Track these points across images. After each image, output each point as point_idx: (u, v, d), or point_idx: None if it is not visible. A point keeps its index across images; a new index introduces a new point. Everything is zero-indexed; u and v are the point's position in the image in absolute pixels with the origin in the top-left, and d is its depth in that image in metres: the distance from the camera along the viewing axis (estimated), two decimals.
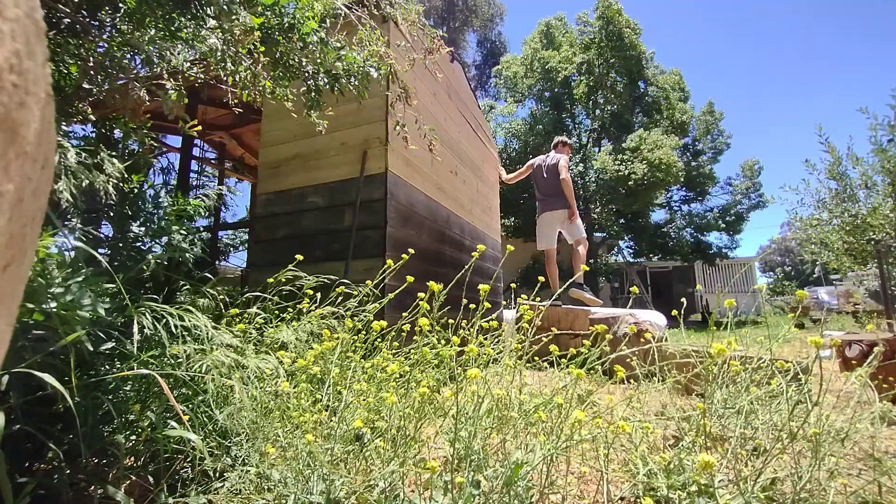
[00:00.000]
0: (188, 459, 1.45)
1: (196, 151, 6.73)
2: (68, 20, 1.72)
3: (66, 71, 1.84)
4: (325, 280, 2.39)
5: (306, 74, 2.22)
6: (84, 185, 1.75)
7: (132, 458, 1.47)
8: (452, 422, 1.08)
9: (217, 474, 1.41)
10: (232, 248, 6.84)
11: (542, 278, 2.05)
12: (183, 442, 1.40)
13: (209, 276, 2.14)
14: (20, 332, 1.16)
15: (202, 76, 2.10)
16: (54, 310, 1.19)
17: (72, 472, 1.28)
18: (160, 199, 2.15)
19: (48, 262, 1.33)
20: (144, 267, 1.92)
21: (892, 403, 2.22)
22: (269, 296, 2.22)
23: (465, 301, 1.64)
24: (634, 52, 15.24)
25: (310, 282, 2.30)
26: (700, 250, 16.76)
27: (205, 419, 1.54)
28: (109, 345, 1.50)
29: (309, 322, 2.04)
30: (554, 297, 1.68)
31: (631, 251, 18.02)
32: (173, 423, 1.38)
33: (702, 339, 5.47)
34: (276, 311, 2.23)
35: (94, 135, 2.41)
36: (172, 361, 1.54)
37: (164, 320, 1.60)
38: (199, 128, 2.11)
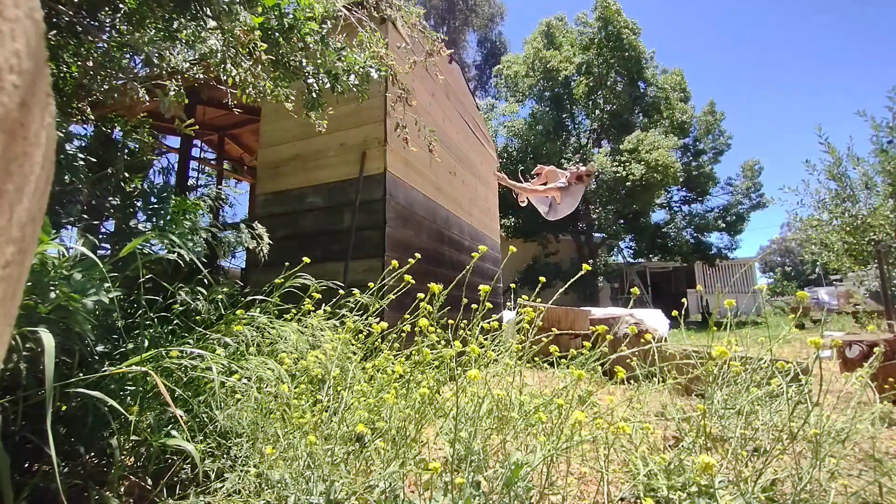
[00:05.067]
0: (187, 460, 1.45)
1: (195, 152, 6.73)
2: (68, 20, 1.72)
3: (66, 71, 1.84)
4: (327, 283, 2.39)
5: (306, 74, 2.22)
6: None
7: (132, 459, 1.47)
8: (453, 423, 1.08)
9: (217, 475, 1.41)
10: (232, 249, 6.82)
11: (542, 279, 2.05)
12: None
13: (212, 277, 2.14)
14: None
15: (202, 76, 2.10)
16: (58, 298, 1.19)
17: (71, 472, 1.28)
18: (163, 197, 2.15)
19: (48, 259, 1.33)
20: (144, 269, 1.91)
21: (892, 404, 2.22)
22: (269, 298, 2.21)
23: (465, 301, 1.64)
24: (634, 53, 15.26)
25: (311, 284, 2.30)
26: (700, 251, 16.77)
27: (205, 419, 1.53)
28: (111, 343, 1.50)
29: (309, 325, 2.04)
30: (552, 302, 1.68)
31: (631, 251, 18.03)
32: (173, 432, 1.38)
33: (702, 339, 5.47)
34: (277, 312, 2.23)
35: (94, 134, 2.41)
36: (171, 364, 1.54)
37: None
38: (196, 127, 2.11)
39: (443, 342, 1.84)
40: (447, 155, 4.88)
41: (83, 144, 2.09)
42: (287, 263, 2.34)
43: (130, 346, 1.57)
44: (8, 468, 0.95)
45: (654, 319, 5.43)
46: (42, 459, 1.28)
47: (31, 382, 1.13)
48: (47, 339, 1.01)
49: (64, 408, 1.30)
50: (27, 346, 1.13)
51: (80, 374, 1.29)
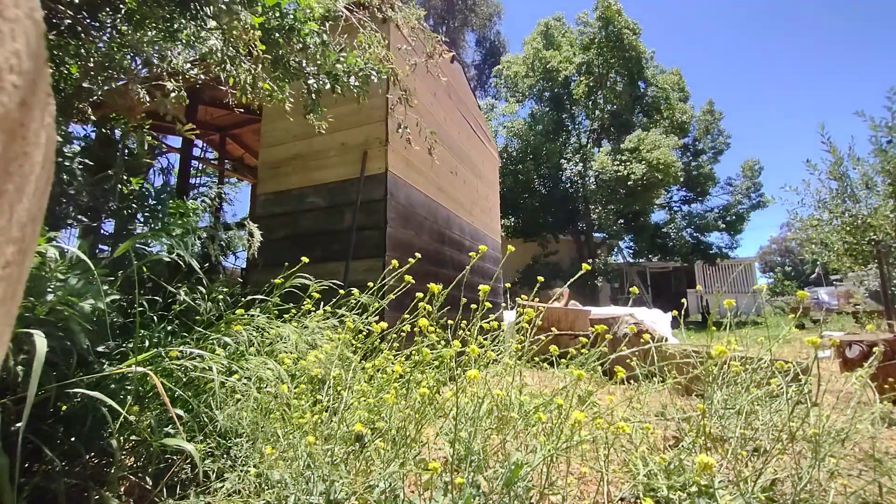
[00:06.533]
0: (188, 460, 1.45)
1: (196, 152, 6.73)
2: (69, 21, 1.72)
3: (66, 71, 1.84)
4: (327, 283, 2.39)
5: (307, 75, 2.22)
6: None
7: (132, 459, 1.47)
8: (452, 423, 1.08)
9: (217, 475, 1.41)
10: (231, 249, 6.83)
11: (541, 278, 2.05)
12: None
13: (211, 277, 2.14)
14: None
15: (202, 77, 2.11)
16: (55, 301, 1.19)
17: (71, 472, 1.28)
18: (162, 198, 2.15)
19: (47, 260, 1.33)
20: (144, 268, 1.92)
21: (892, 404, 2.22)
22: (269, 298, 2.21)
23: (464, 301, 1.64)
24: (634, 53, 15.26)
25: (311, 284, 2.30)
26: (700, 250, 16.76)
27: (205, 419, 1.53)
28: (110, 343, 1.50)
29: (309, 325, 2.04)
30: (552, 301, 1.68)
31: (631, 251, 18.01)
32: (173, 433, 1.38)
33: (702, 339, 5.47)
34: (277, 312, 2.23)
35: (94, 135, 2.41)
36: (171, 364, 1.54)
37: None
38: (196, 130, 2.11)
39: (442, 342, 1.84)
40: (448, 154, 4.88)
41: (83, 145, 2.09)
42: (287, 263, 2.34)
43: (131, 345, 1.57)
44: (7, 468, 0.95)
45: (655, 319, 5.43)
46: (42, 459, 1.28)
47: (28, 383, 1.13)
48: (40, 342, 1.01)
49: (63, 408, 1.30)
50: (24, 347, 1.13)
51: (80, 375, 1.29)
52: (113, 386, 1.39)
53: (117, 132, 2.58)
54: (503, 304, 6.36)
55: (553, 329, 1.86)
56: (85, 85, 1.88)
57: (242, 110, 2.59)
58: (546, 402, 1.30)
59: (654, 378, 1.64)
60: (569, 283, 1.69)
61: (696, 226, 17.07)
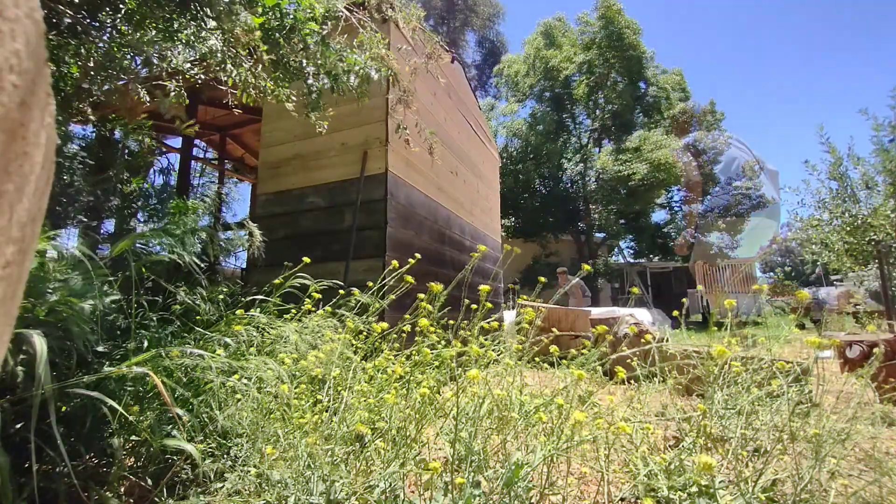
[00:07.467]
0: (188, 460, 1.45)
1: (196, 152, 6.73)
2: (68, 20, 1.72)
3: (66, 71, 1.84)
4: (327, 283, 2.39)
5: (307, 75, 2.22)
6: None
7: (132, 459, 1.47)
8: (453, 423, 1.08)
9: (217, 475, 1.40)
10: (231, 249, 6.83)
11: (542, 279, 2.05)
12: None
13: (211, 277, 2.14)
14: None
15: (202, 77, 2.10)
16: (55, 301, 1.19)
17: (72, 472, 1.28)
18: (162, 198, 2.15)
19: (47, 260, 1.33)
20: (144, 268, 1.91)
21: (892, 404, 2.22)
22: (269, 298, 2.21)
23: (465, 301, 1.64)
24: (635, 53, 15.26)
25: (311, 284, 2.30)
26: (700, 250, 16.77)
27: (206, 419, 1.53)
28: (109, 345, 1.50)
29: (309, 325, 2.04)
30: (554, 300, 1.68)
31: (631, 251, 18.02)
32: (173, 433, 1.38)
33: (703, 339, 5.47)
34: (277, 312, 2.22)
35: (94, 135, 2.41)
36: (172, 364, 1.54)
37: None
38: (196, 127, 2.11)
39: (443, 342, 1.84)
40: (448, 154, 4.88)
41: (83, 145, 2.09)
42: (287, 263, 2.34)
43: (131, 346, 1.57)
44: (7, 468, 0.95)
45: (654, 319, 5.44)
46: (42, 459, 1.28)
47: (28, 384, 1.13)
48: (40, 342, 1.01)
49: (64, 408, 1.30)
50: (24, 347, 1.13)
51: (80, 375, 1.29)
52: (113, 386, 1.39)
53: (117, 132, 2.58)
54: (503, 304, 6.35)
55: (553, 329, 1.86)
56: (85, 85, 1.88)
57: (242, 110, 2.59)
58: (546, 403, 1.29)
59: (654, 378, 1.64)
60: (570, 282, 1.68)
61: (697, 226, 17.06)
